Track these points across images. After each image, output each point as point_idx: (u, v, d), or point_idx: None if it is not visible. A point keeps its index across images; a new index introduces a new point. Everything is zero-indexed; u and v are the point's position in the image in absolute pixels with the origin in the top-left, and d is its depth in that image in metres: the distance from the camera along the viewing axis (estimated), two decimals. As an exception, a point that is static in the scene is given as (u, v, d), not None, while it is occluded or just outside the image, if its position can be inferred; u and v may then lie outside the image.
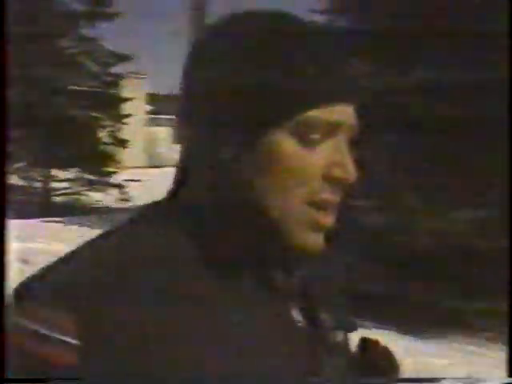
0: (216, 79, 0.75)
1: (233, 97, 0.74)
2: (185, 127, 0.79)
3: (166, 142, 29.38)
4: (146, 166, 26.35)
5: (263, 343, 0.77)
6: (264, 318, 0.79)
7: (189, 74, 0.79)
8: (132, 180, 14.64)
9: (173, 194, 0.82)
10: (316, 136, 0.75)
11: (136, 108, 20.49)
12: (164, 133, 29.47)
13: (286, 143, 0.74)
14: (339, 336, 0.85)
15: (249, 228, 0.77)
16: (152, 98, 28.40)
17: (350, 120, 0.77)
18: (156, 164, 26.56)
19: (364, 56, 6.26)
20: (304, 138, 0.74)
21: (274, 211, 0.75)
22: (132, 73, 20.64)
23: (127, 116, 16.18)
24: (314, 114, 0.74)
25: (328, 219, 0.77)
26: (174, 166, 0.83)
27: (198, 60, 0.78)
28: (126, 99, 16.30)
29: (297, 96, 0.73)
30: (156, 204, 0.83)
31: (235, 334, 0.75)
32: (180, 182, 0.82)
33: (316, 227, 0.77)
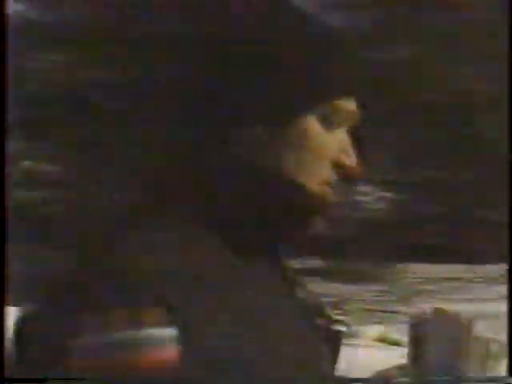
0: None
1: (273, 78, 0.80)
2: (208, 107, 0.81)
3: None
4: None
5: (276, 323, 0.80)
6: (277, 300, 0.83)
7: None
8: None
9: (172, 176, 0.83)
10: (337, 121, 0.83)
11: None
12: None
13: (314, 124, 0.81)
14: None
15: (267, 203, 0.81)
16: None
17: (357, 111, 0.85)
18: None
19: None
20: (327, 122, 0.82)
21: (300, 187, 0.81)
22: None
23: None
24: (339, 102, 0.82)
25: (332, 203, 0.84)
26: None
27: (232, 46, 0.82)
28: None
29: (330, 85, 0.82)
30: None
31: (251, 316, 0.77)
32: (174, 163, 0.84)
33: (323, 209, 0.84)
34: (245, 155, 0.80)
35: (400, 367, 0.95)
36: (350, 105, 0.83)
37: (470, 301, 9.08)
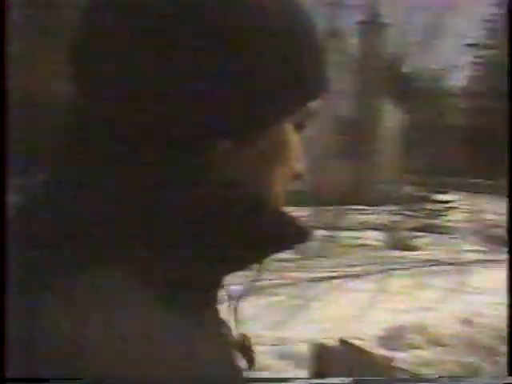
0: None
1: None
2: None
3: None
4: None
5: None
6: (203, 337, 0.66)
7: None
8: None
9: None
10: (306, 126, 0.72)
11: None
12: None
13: (291, 132, 0.70)
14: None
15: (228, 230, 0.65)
16: None
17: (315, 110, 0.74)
18: None
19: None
20: (298, 128, 0.71)
21: (274, 205, 0.69)
22: None
23: None
24: (310, 104, 0.71)
25: None
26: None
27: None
28: None
29: (306, 87, 0.69)
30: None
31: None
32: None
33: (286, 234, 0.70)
34: (204, 174, 0.64)
35: None
36: (313, 105, 0.71)
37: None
